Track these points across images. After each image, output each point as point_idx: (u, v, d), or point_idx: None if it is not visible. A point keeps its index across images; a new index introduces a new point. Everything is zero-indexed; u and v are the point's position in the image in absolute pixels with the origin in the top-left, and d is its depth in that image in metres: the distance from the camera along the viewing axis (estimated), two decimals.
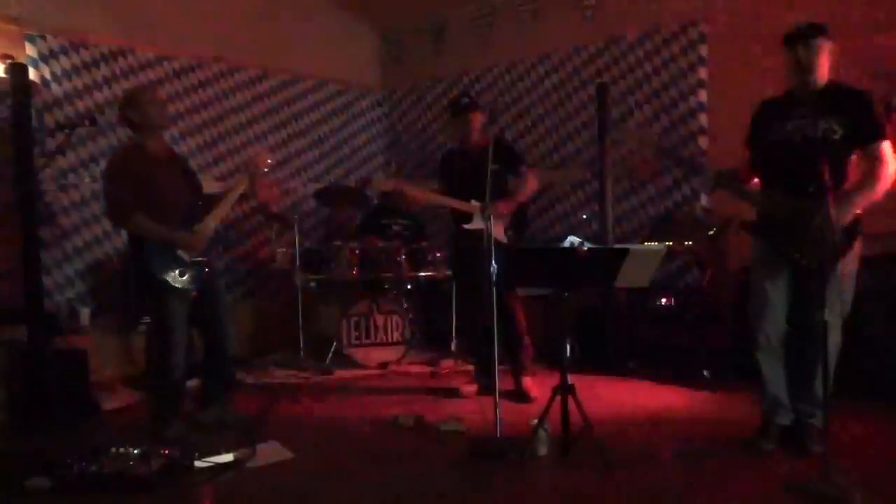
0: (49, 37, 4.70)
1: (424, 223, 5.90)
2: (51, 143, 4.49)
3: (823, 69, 2.90)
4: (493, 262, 3.20)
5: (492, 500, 2.74)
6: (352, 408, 4.10)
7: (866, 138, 2.87)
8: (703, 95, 4.98)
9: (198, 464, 2.94)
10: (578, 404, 2.96)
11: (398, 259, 5.21)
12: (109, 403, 4.16)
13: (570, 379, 3.02)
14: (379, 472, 3.01)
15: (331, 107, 6.50)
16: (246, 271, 5.83)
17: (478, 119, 4.20)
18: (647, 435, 3.39)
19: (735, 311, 4.25)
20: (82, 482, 2.77)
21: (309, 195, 5.93)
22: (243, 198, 3.72)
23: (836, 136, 2.86)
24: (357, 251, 5.23)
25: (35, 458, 2.97)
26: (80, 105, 4.83)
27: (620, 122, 5.22)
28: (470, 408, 3.91)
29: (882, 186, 2.85)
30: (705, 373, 4.26)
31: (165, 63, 5.33)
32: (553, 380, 3.08)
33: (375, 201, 5.96)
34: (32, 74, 4.43)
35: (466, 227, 4.08)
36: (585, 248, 2.94)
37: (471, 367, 4.57)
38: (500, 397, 3.20)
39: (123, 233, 3.90)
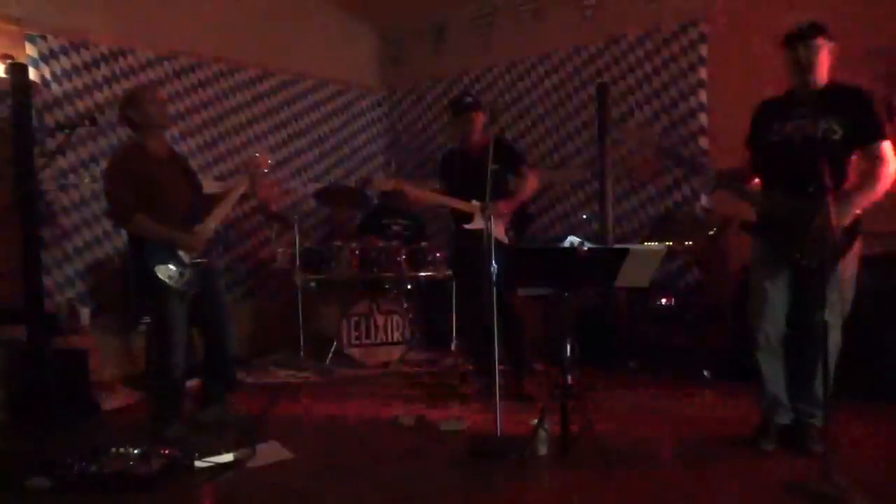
0: (49, 37, 4.70)
1: (424, 223, 5.90)
2: (51, 143, 4.49)
3: (823, 69, 2.90)
4: (494, 261, 3.20)
5: (492, 500, 2.73)
6: (352, 408, 4.10)
7: (867, 138, 2.87)
8: (703, 95, 4.98)
9: (198, 464, 2.94)
10: (578, 404, 2.96)
11: (398, 259, 5.21)
12: (109, 403, 4.16)
13: (571, 379, 3.02)
14: (379, 471, 3.01)
15: (331, 107, 6.50)
16: (246, 271, 5.83)
17: (479, 119, 4.20)
18: (647, 435, 3.39)
19: (735, 310, 4.24)
20: (82, 482, 2.77)
21: (309, 195, 5.93)
22: (243, 198, 3.73)
23: (837, 137, 2.86)
24: (357, 251, 5.23)
25: (35, 458, 2.96)
26: (80, 105, 4.83)
27: (620, 122, 5.22)
28: (470, 408, 3.91)
29: (882, 186, 2.84)
30: (705, 373, 4.27)
31: (165, 63, 5.33)
32: (553, 380, 3.08)
33: (375, 201, 5.96)
34: (32, 74, 4.44)
35: (467, 226, 4.08)
36: (585, 248, 2.94)
37: (471, 367, 4.57)
38: (500, 397, 3.20)
39: (123, 233, 3.90)
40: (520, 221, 4.21)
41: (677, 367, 4.40)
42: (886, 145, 2.86)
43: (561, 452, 3.01)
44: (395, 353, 5.27)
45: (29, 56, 4.57)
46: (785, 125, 2.97)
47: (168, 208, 3.38)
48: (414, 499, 2.72)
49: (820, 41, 2.86)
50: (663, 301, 4.74)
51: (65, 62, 4.78)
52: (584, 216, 5.47)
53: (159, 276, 3.30)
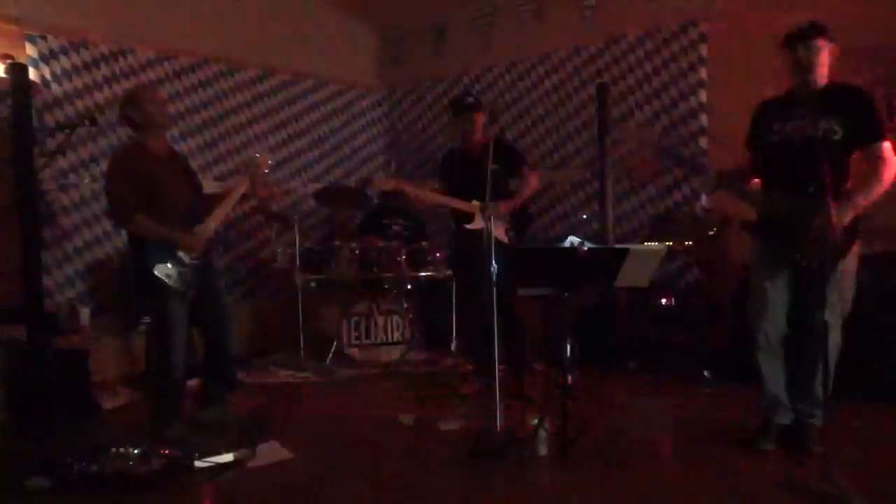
0: (49, 37, 4.70)
1: (424, 223, 5.90)
2: (51, 143, 4.49)
3: (823, 69, 2.90)
4: (494, 262, 3.20)
5: (492, 500, 2.74)
6: (352, 408, 4.10)
7: (867, 138, 2.87)
8: (703, 95, 4.98)
9: (198, 464, 2.94)
10: (578, 405, 2.96)
11: (398, 259, 5.21)
12: (109, 403, 4.16)
13: (571, 379, 3.03)
14: (379, 471, 3.01)
15: (331, 107, 6.50)
16: (246, 271, 5.83)
17: (480, 119, 4.19)
18: (647, 435, 3.39)
19: (735, 310, 4.25)
20: (82, 482, 2.77)
21: (309, 195, 5.93)
22: (243, 198, 3.72)
23: (837, 137, 2.86)
24: (357, 251, 5.23)
25: (35, 458, 2.96)
26: (80, 105, 4.82)
27: (620, 122, 5.22)
28: (470, 408, 3.91)
29: (882, 186, 2.84)
30: (705, 373, 4.27)
31: (165, 63, 5.33)
32: (553, 380, 3.08)
33: (376, 201, 5.96)
34: (32, 74, 4.44)
35: (467, 227, 4.08)
36: (585, 248, 2.94)
37: (471, 367, 4.57)
38: (500, 397, 3.20)
39: (123, 233, 3.90)
40: (520, 221, 4.21)
41: (677, 367, 4.40)
42: (887, 145, 2.86)
43: (561, 452, 3.01)
44: (395, 353, 5.27)
45: (29, 56, 4.56)
46: (785, 125, 2.97)
47: (168, 208, 3.38)
48: (414, 499, 2.72)
49: (820, 41, 2.86)
50: (663, 301, 4.74)
51: (65, 62, 4.78)
52: (584, 216, 5.47)
53: (159, 276, 3.30)
